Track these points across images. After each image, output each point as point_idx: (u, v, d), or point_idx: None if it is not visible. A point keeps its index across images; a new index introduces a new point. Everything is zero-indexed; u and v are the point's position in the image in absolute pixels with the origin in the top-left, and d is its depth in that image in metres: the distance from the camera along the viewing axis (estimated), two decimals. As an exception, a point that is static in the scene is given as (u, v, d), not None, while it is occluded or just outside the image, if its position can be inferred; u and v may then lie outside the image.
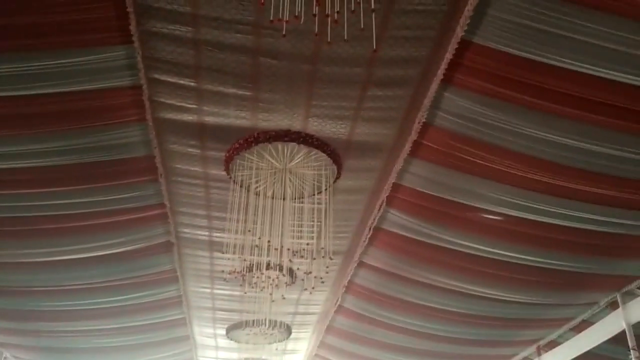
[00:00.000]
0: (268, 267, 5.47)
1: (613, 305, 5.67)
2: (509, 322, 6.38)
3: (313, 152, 4.50)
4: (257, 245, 4.76)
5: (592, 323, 5.99)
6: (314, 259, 4.99)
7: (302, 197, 4.96)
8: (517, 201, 4.54)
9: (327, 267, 4.85)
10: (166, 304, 7.28)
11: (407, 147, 4.42)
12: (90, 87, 3.87)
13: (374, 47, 2.94)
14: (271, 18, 2.67)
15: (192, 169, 4.93)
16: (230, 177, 4.82)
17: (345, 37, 2.78)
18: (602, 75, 3.35)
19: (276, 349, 8.11)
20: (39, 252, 5.51)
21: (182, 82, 3.98)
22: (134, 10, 3.41)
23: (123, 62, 3.77)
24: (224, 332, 7.91)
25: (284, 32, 2.83)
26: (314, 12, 2.61)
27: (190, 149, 4.68)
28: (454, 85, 3.81)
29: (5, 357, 7.74)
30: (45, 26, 3.46)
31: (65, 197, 4.84)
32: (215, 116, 4.30)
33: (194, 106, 4.20)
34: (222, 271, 5.93)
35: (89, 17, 3.47)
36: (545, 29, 3.21)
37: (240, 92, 4.05)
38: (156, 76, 3.93)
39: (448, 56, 3.53)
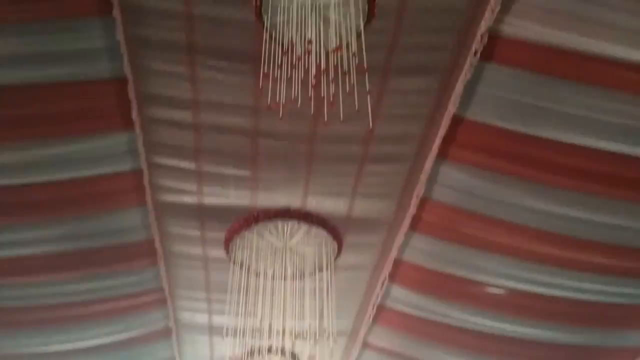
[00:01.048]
0: (270, 350, 5.29)
1: (628, 379, 5.46)
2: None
3: (313, 229, 4.49)
4: (258, 329, 4.64)
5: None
6: (317, 341, 4.84)
7: (303, 276, 4.89)
8: (520, 273, 4.49)
9: (331, 349, 4.69)
10: (165, 393, 6.96)
11: (407, 221, 4.43)
12: (91, 174, 3.93)
13: (370, 126, 3.03)
14: (269, 102, 2.76)
15: (192, 250, 4.90)
16: (230, 258, 4.78)
17: (341, 118, 2.87)
18: (594, 145, 3.43)
19: None
20: (30, 343, 5.34)
21: (182, 164, 4.05)
22: (135, 97, 3.53)
23: (124, 147, 3.86)
24: (224, 422, 7.52)
25: (281, 115, 2.92)
26: (310, 95, 2.71)
27: (189, 231, 4.68)
28: (449, 160, 3.88)
29: None
30: (49, 116, 3.56)
31: (63, 285, 4.77)
32: (215, 197, 4.33)
33: (194, 188, 4.25)
34: (223, 357, 5.73)
35: (91, 105, 3.58)
36: (535, 103, 3.32)
37: (239, 172, 4.11)
38: (157, 160, 4.01)
39: (441, 132, 3.63)
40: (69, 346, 5.47)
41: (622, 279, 4.34)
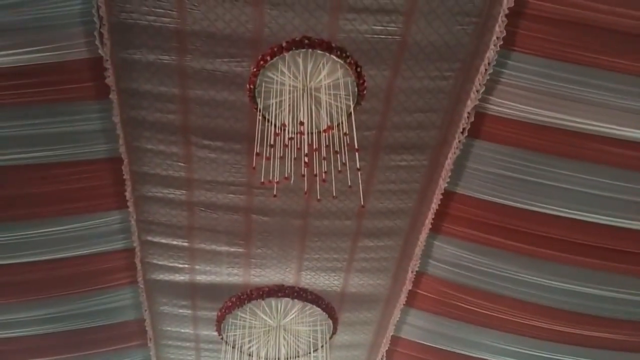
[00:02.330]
0: None
1: None
2: None
3: (307, 307, 4.39)
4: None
5: None
6: None
7: (298, 356, 4.74)
8: (519, 349, 4.39)
9: None
10: None
11: (403, 297, 4.37)
12: (83, 253, 3.90)
13: (362, 202, 3.06)
14: (262, 180, 2.80)
15: (183, 330, 4.78)
16: (222, 338, 4.64)
17: (334, 194, 2.90)
18: (585, 219, 3.46)
19: None
20: None
21: (174, 242, 4.03)
22: (130, 177, 3.56)
23: (117, 226, 3.85)
24: None
25: (274, 193, 2.95)
26: (303, 172, 2.76)
27: (181, 310, 4.58)
28: (442, 234, 3.89)
29: None
30: (45, 195, 3.56)
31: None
32: (208, 275, 4.28)
33: (186, 266, 4.21)
34: None
35: (86, 185, 3.60)
36: (524, 178, 3.38)
37: (232, 249, 4.09)
38: (149, 238, 3.99)
39: (434, 206, 3.66)
40: None
41: (626, 353, 4.23)
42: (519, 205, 3.49)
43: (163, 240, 4.02)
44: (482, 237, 3.75)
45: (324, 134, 2.92)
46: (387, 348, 4.87)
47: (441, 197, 3.59)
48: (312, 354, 4.71)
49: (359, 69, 2.85)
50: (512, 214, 3.55)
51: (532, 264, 3.78)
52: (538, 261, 3.75)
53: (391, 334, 4.74)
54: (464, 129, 3.19)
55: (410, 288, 4.29)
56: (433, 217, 3.73)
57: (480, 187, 3.51)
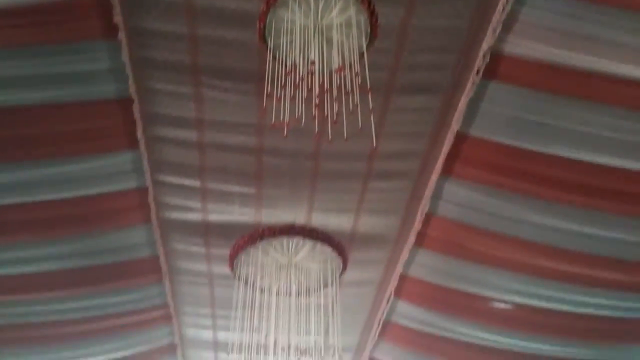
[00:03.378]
0: (275, 367, 5.26)
1: (637, 395, 5.40)
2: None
3: (318, 246, 4.48)
4: (263, 345, 4.62)
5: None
6: (323, 357, 4.81)
7: (309, 292, 4.88)
8: (527, 289, 4.48)
9: (337, 365, 4.67)
10: (169, 410, 6.94)
11: (412, 237, 4.42)
12: (96, 192, 3.96)
13: (374, 144, 3.04)
14: (272, 121, 2.78)
15: (197, 267, 4.91)
16: (235, 274, 4.77)
17: (345, 137, 2.88)
18: (597, 161, 3.44)
19: None
20: (40, 358, 5.33)
21: (187, 182, 4.07)
22: (140, 117, 3.56)
23: (129, 166, 3.88)
24: None
25: (285, 134, 2.93)
26: (314, 114, 2.73)
27: (194, 248, 4.69)
28: (453, 176, 3.88)
29: None
30: (56, 136, 3.59)
31: (68, 302, 4.77)
32: (220, 214, 4.35)
33: (199, 205, 4.26)
34: (228, 374, 5.71)
35: (97, 125, 3.62)
36: (538, 120, 3.33)
37: (244, 190, 4.13)
38: (161, 178, 4.03)
39: (445, 149, 3.64)
40: (74, 363, 5.47)
41: (629, 293, 4.31)
42: (532, 147, 3.46)
43: (175, 180, 4.06)
44: (493, 179, 3.75)
45: (335, 74, 2.87)
46: (395, 286, 4.98)
47: (453, 139, 3.56)
48: (322, 290, 4.86)
49: (372, 7, 2.76)
50: (524, 157, 3.53)
51: (542, 206, 3.79)
52: (548, 204, 3.76)
53: (399, 273, 4.83)
54: (478, 69, 3.12)
55: (419, 229, 4.33)
56: (444, 159, 3.71)
57: (493, 129, 3.48)
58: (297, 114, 2.75)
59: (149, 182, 4.01)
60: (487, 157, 3.66)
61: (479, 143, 3.58)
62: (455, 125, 3.46)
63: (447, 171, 3.82)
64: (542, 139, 3.42)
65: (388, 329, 5.51)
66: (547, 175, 3.60)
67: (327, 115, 2.76)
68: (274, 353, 4.68)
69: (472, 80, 3.19)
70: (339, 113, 2.77)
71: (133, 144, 3.69)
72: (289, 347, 4.65)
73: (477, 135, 3.55)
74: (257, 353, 4.79)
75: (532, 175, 3.63)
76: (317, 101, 2.74)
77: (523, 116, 3.34)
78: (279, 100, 2.80)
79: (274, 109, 2.79)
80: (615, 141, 3.31)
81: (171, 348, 5.90)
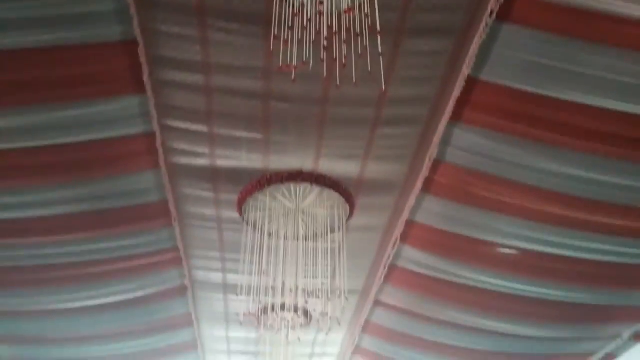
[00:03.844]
0: (283, 308, 5.42)
1: (637, 337, 5.53)
2: (529, 358, 6.23)
3: (325, 192, 4.51)
4: (272, 287, 4.73)
5: (616, 356, 5.83)
6: (329, 299, 4.94)
7: (316, 237, 4.95)
8: (532, 234, 4.51)
9: (343, 307, 4.79)
10: (181, 348, 7.19)
11: (419, 183, 4.43)
12: (103, 137, 3.96)
13: (383, 88, 2.99)
14: (280, 64, 2.73)
15: (206, 212, 4.97)
16: (243, 219, 4.84)
17: (354, 81, 2.83)
18: (611, 107, 3.38)
19: (295, 393, 7.93)
20: (50, 300, 5.50)
21: (194, 128, 4.06)
22: (146, 60, 3.50)
23: (136, 110, 3.86)
24: (240, 375, 7.78)
25: (293, 78, 2.88)
26: (322, 57, 2.67)
27: (203, 193, 4.73)
28: (463, 122, 3.84)
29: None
30: (61, 79, 3.56)
31: (78, 244, 4.87)
32: (228, 160, 4.36)
33: (207, 151, 4.27)
34: (237, 314, 5.88)
35: (102, 68, 3.57)
36: (551, 64, 3.25)
37: (251, 135, 4.11)
38: (169, 123, 4.01)
39: (456, 94, 3.58)
40: (87, 303, 5.64)
41: (634, 240, 4.34)
42: (544, 92, 3.40)
43: (182, 125, 4.05)
44: (504, 125, 3.70)
45: (344, 15, 2.79)
46: (401, 231, 5.03)
47: (464, 84, 3.49)
48: (329, 235, 4.93)
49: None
50: (536, 102, 3.47)
51: (552, 152, 3.75)
52: (559, 150, 3.72)
53: (406, 219, 4.87)
54: (492, 11, 3.02)
55: (427, 175, 4.33)
56: (454, 104, 3.65)
57: (505, 73, 3.40)
58: (304, 57, 2.70)
59: (156, 127, 3.99)
60: (498, 103, 3.60)
61: (490, 88, 3.52)
62: (466, 69, 3.38)
63: (456, 117, 3.77)
64: (555, 84, 3.35)
65: (394, 273, 5.61)
66: (558, 121, 3.55)
67: (336, 58, 2.70)
68: (282, 295, 4.81)
69: (485, 22, 3.09)
70: (348, 56, 2.71)
71: (139, 87, 3.65)
72: (296, 290, 4.77)
73: (489, 80, 3.48)
74: (265, 295, 4.92)
75: (543, 121, 3.58)
76: (326, 44, 2.67)
77: (537, 60, 3.26)
78: (286, 43, 2.74)
79: (281, 52, 2.73)
80: (631, 86, 3.23)
81: (182, 290, 6.06)
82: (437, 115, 3.84)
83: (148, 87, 3.66)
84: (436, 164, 4.23)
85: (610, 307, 5.20)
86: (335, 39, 2.72)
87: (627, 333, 5.59)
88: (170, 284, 5.91)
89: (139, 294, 5.77)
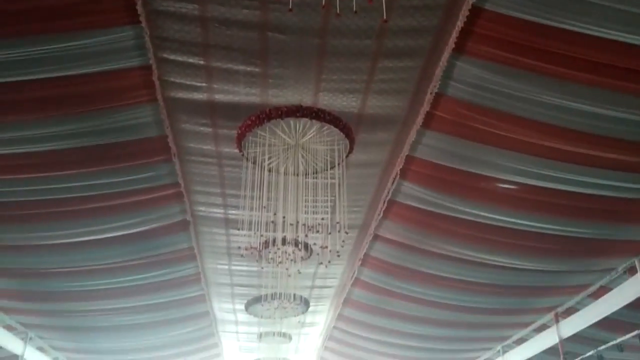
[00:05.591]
0: (284, 242, 5.50)
1: (631, 271, 5.64)
2: (526, 290, 6.39)
3: (325, 127, 4.46)
4: (272, 221, 4.78)
5: (610, 289, 5.97)
6: (329, 233, 5.00)
7: (316, 173, 4.95)
8: (531, 169, 4.50)
9: (343, 240, 4.86)
10: (185, 281, 7.39)
11: (420, 118, 4.38)
12: (100, 69, 3.88)
13: (384, 16, 2.88)
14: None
15: (205, 147, 4.95)
16: (243, 155, 4.82)
17: (354, 9, 2.73)
18: (613, 37, 3.28)
19: (299, 322, 8.22)
20: (57, 234, 5.61)
21: (190, 60, 3.97)
22: (140, -10, 3.38)
23: (131, 42, 3.76)
24: (243, 307, 8.04)
25: (290, 7, 2.78)
26: (321, -17, 2.57)
27: (202, 128, 4.70)
28: (465, 54, 3.75)
29: (30, 337, 7.94)
30: (51, 10, 3.45)
31: (80, 179, 4.90)
32: (225, 94, 4.29)
33: (204, 84, 4.19)
34: (239, 247, 5.99)
35: (94, -1, 3.45)
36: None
37: (249, 68, 4.03)
38: (165, 55, 3.92)
39: (459, 24, 3.47)
40: (92, 237, 5.74)
41: (633, 174, 4.33)
42: (551, 23, 3.29)
43: (179, 58, 3.95)
44: (508, 57, 3.61)
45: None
46: (401, 167, 5.03)
47: (468, 13, 3.38)
48: (329, 171, 4.93)
49: None
50: (542, 33, 3.37)
51: (554, 84, 3.68)
52: (561, 82, 3.65)
53: (406, 154, 4.85)
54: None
55: (427, 109, 4.28)
56: (457, 35, 3.55)
57: (510, 3, 3.28)
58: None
59: (152, 60, 3.91)
60: (503, 33, 3.49)
61: (495, 18, 3.40)
62: (470, -3, 3.26)
63: (460, 49, 3.67)
64: (559, 12, 3.23)
65: (393, 208, 5.66)
66: (559, 51, 3.46)
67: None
68: (283, 230, 4.87)
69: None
70: (349, -17, 2.60)
71: (133, 18, 3.55)
72: (297, 224, 4.82)
73: (494, 10, 3.36)
74: (266, 230, 4.99)
75: (548, 52, 3.49)
76: (325, -30, 2.56)
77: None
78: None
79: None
80: (631, 15, 3.11)
81: (184, 224, 6.15)
82: (440, 47, 3.74)
83: (142, 18, 3.55)
84: (438, 98, 4.17)
85: (606, 241, 5.28)
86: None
87: (621, 266, 5.71)
88: (172, 219, 5.99)
89: (142, 228, 5.86)
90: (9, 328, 7.50)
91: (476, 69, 3.82)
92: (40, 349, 8.47)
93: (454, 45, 3.64)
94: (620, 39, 3.27)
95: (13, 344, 7.58)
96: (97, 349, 8.88)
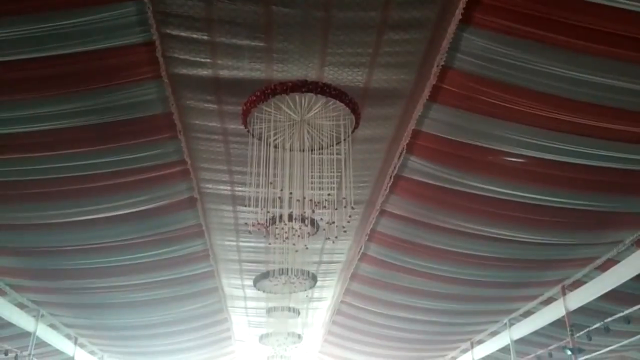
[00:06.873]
0: (290, 218, 5.51)
1: (638, 244, 5.63)
2: (533, 264, 6.41)
3: (331, 102, 4.43)
4: (279, 198, 4.78)
5: (617, 262, 5.98)
6: (336, 209, 5.01)
7: (322, 148, 4.93)
8: (539, 142, 4.47)
9: (350, 216, 4.86)
10: (194, 257, 7.46)
11: (427, 92, 4.33)
12: (102, 46, 3.85)
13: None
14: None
15: (210, 124, 4.94)
16: (249, 131, 4.80)
17: (359, -20, 2.68)
18: (623, 6, 3.20)
19: (307, 296, 8.29)
20: (67, 212, 5.64)
21: (194, 36, 3.93)
22: (141, -37, 3.33)
23: (134, 18, 3.72)
24: (251, 282, 8.11)
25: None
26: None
27: (207, 105, 4.67)
28: (473, 25, 3.68)
29: (42, 315, 8.07)
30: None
31: (87, 157, 4.90)
32: (230, 69, 4.25)
33: (208, 60, 4.16)
34: (246, 224, 6.01)
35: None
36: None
37: (253, 43, 3.98)
38: (168, 31, 3.88)
39: (467, -6, 3.40)
40: (101, 215, 5.78)
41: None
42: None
43: (183, 34, 3.91)
44: (514, 27, 3.54)
45: None
46: (407, 141, 4.99)
47: (475, -17, 3.32)
48: (335, 146, 4.91)
49: None
50: (552, 3, 3.30)
51: (563, 55, 3.62)
52: (570, 53, 3.59)
53: (412, 128, 4.82)
54: None
55: (434, 83, 4.22)
56: (464, 6, 3.48)
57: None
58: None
59: (156, 36, 3.87)
60: (511, 3, 3.42)
61: (502, -14, 3.34)
62: (479, -35, 3.19)
63: (467, 20, 3.61)
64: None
65: (399, 183, 5.64)
66: (568, 21, 3.39)
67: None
68: (290, 206, 4.88)
69: None
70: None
71: (135, -8, 3.51)
72: (303, 200, 4.83)
73: (501, -22, 3.30)
74: (273, 206, 5.00)
75: (553, 22, 3.42)
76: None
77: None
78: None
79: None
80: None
81: (191, 202, 6.17)
82: (447, 18, 3.68)
83: (144, -9, 3.51)
84: (444, 71, 4.11)
85: (613, 214, 5.26)
86: None
87: (629, 239, 5.70)
88: (179, 196, 6.01)
89: (150, 206, 5.89)
90: (20, 306, 7.62)
91: (483, 41, 3.76)
92: (52, 325, 8.62)
93: (460, 16, 3.57)
94: (634, 8, 3.19)
95: (25, 321, 7.72)
96: (108, 326, 9.03)
